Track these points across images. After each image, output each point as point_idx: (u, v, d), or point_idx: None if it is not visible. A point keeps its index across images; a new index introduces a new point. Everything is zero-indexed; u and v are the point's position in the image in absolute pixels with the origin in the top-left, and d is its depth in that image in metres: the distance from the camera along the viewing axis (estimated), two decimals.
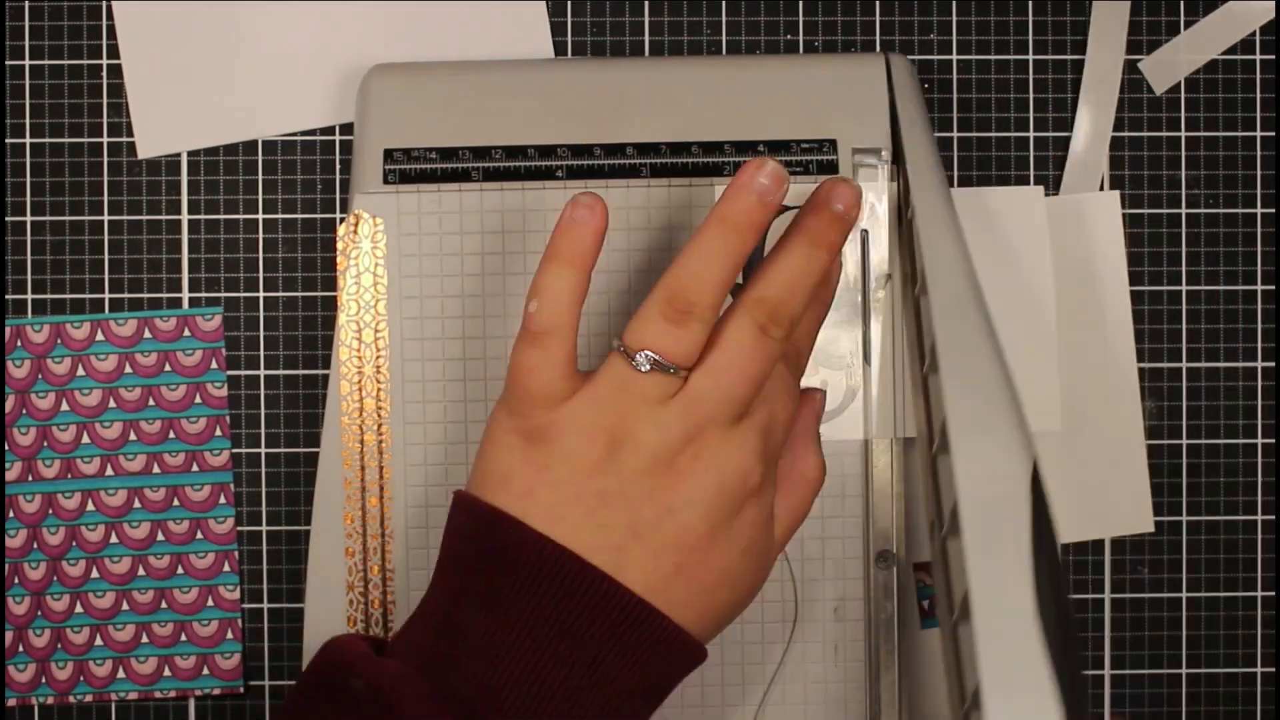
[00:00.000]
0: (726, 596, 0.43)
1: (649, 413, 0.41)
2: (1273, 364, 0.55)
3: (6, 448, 0.53)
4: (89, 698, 0.54)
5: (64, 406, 0.53)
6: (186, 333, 0.54)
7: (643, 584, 0.41)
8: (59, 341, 0.53)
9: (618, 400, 0.42)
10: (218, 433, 0.54)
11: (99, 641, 0.54)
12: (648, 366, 0.41)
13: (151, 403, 0.53)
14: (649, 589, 0.41)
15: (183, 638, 0.54)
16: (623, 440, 0.41)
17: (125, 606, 0.53)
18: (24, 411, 0.53)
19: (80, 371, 0.53)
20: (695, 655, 0.43)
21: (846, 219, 0.44)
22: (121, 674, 0.54)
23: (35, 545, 0.53)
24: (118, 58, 0.54)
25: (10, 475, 0.53)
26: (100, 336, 0.53)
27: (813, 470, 0.46)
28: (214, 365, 0.54)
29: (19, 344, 0.53)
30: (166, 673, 0.54)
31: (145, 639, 0.54)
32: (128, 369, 0.53)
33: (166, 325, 0.54)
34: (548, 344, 0.42)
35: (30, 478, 0.53)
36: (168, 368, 0.53)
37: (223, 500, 0.54)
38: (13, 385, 0.53)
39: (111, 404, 0.53)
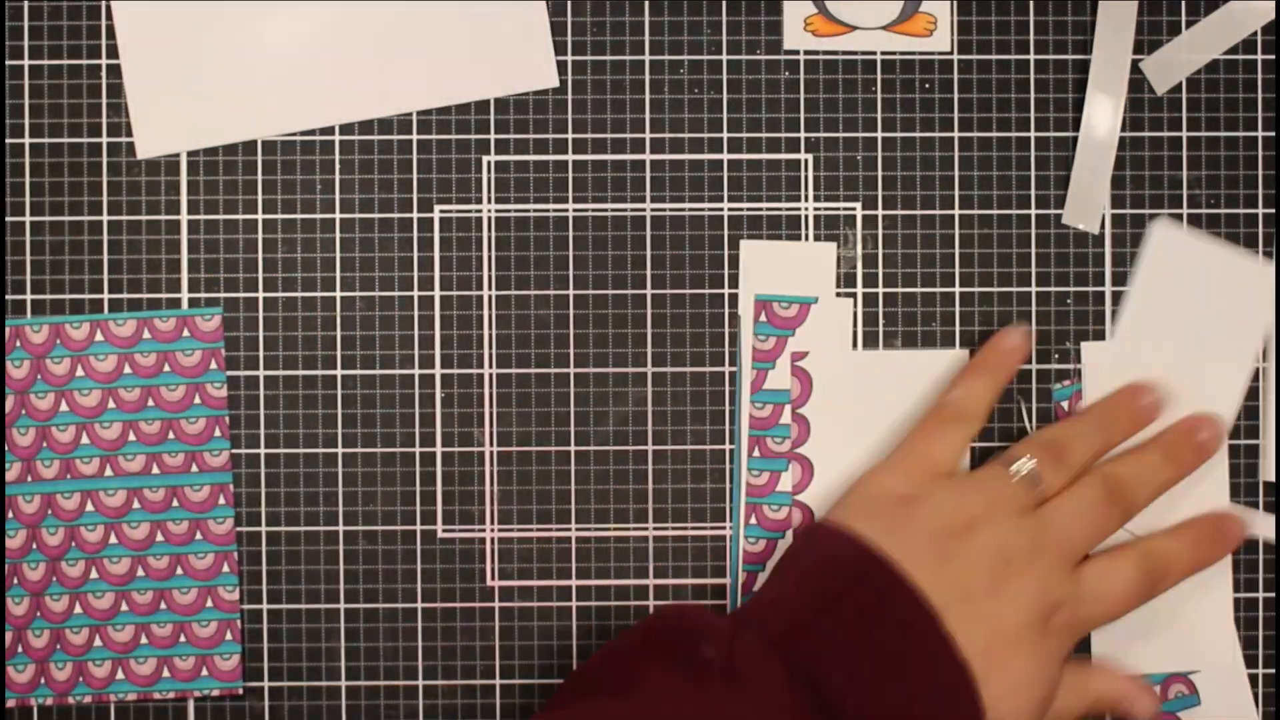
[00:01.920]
0: (1014, 711, 0.46)
1: (1008, 515, 0.48)
2: (1273, 364, 0.55)
3: (6, 448, 0.53)
4: (88, 699, 0.54)
5: (63, 407, 0.53)
6: (186, 333, 0.53)
7: (960, 647, 0.45)
8: (58, 342, 0.53)
9: (987, 492, 0.49)
10: (217, 433, 0.53)
11: (98, 642, 0.53)
12: (1022, 472, 0.49)
13: (151, 403, 0.53)
14: (965, 655, 0.45)
15: (182, 639, 0.53)
16: (979, 525, 0.48)
17: (124, 607, 0.53)
18: (23, 412, 0.53)
19: (79, 372, 0.53)
20: None
21: (1204, 450, 0.52)
22: (120, 675, 0.53)
23: (34, 546, 0.53)
24: (118, 58, 0.54)
25: (9, 476, 0.53)
26: (99, 337, 0.53)
27: (1104, 688, 0.51)
28: (213, 365, 0.54)
29: (18, 344, 0.53)
30: (165, 674, 0.53)
31: (144, 640, 0.53)
32: (127, 369, 0.53)
33: (166, 326, 0.54)
34: (958, 426, 0.51)
35: (29, 478, 0.53)
36: (167, 368, 0.53)
37: (222, 501, 0.53)
38: (12, 386, 0.53)
39: (111, 404, 0.53)
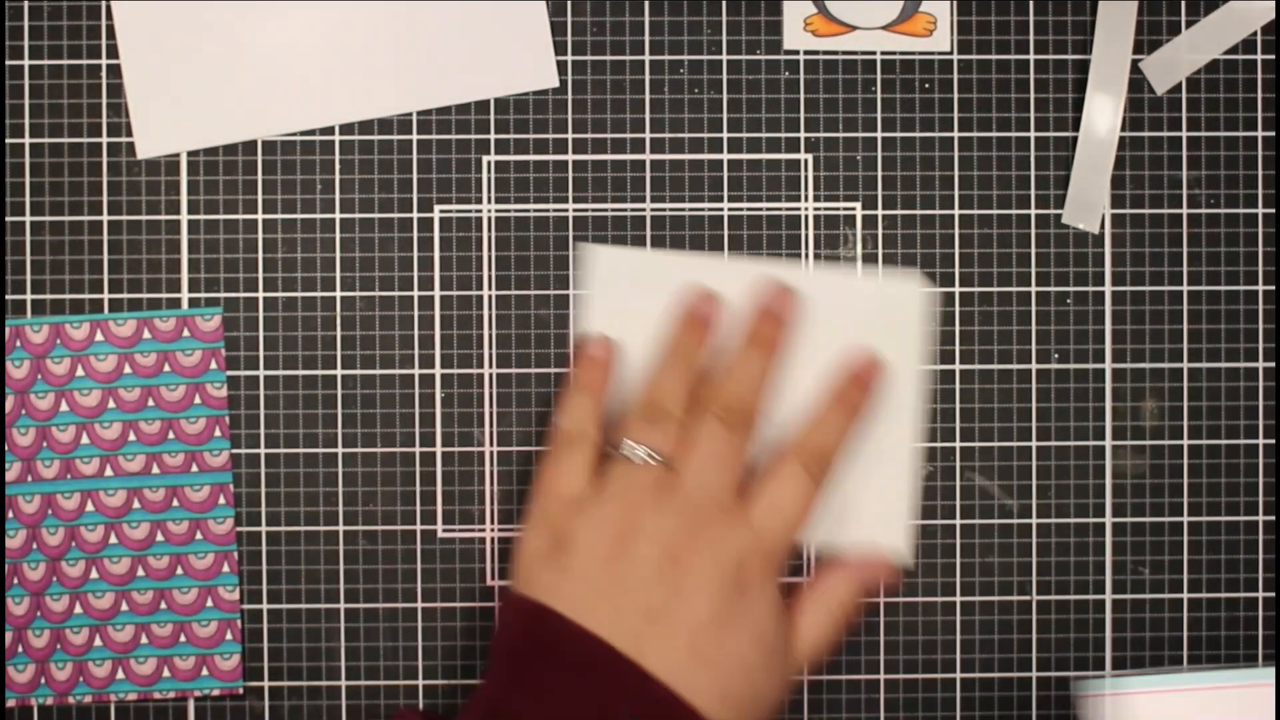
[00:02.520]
0: (744, 689, 0.45)
1: (650, 510, 0.47)
2: (1273, 364, 0.55)
3: (6, 448, 0.53)
4: (88, 698, 0.54)
5: (63, 407, 0.53)
6: (186, 333, 0.53)
7: (663, 669, 0.44)
8: (58, 342, 0.53)
9: (622, 498, 0.47)
10: (217, 433, 0.53)
11: (98, 642, 0.53)
12: (637, 457, 0.48)
13: (151, 403, 0.53)
14: (669, 674, 0.44)
15: (182, 638, 0.54)
16: (629, 538, 0.46)
17: (124, 607, 0.53)
18: (23, 412, 0.53)
19: (79, 372, 0.53)
20: None
21: (782, 320, 0.51)
22: (121, 675, 0.53)
23: (35, 546, 0.53)
24: (118, 58, 0.54)
25: (10, 475, 0.53)
26: (99, 337, 0.53)
27: (808, 636, 0.49)
28: (213, 365, 0.54)
29: (18, 344, 0.53)
30: (166, 673, 0.54)
31: (144, 640, 0.53)
32: (127, 369, 0.53)
33: (166, 325, 0.54)
34: (575, 451, 0.49)
35: (29, 478, 0.53)
36: (167, 368, 0.53)
37: (222, 501, 0.53)
38: (12, 385, 0.53)
39: (111, 404, 0.53)
